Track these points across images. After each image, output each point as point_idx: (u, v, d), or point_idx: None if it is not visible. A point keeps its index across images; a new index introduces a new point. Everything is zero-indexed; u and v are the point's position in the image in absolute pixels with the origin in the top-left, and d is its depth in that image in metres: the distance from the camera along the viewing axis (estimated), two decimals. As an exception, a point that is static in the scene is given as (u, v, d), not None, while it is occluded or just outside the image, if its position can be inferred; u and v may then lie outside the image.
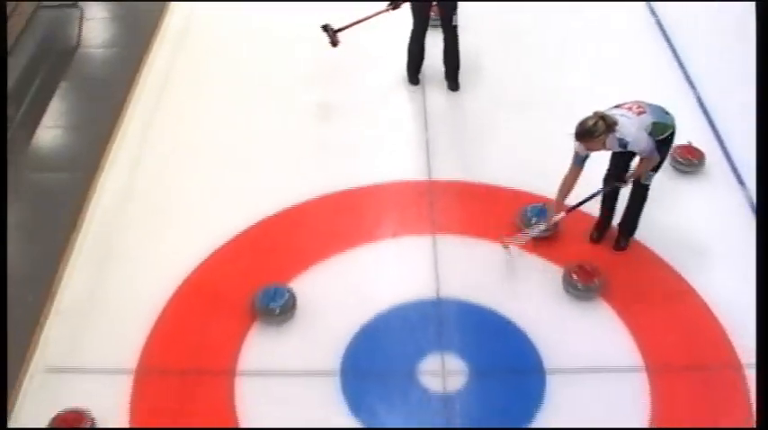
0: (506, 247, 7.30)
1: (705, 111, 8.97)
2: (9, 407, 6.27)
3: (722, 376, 6.62)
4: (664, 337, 6.86)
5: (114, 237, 7.67)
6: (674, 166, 8.19)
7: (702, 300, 7.06)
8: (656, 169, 7.06)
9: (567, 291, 7.10)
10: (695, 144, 8.32)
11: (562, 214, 7.18)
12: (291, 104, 9.08)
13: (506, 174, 8.14)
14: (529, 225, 7.36)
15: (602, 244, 7.55)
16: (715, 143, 8.50)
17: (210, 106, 9.13)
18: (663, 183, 7.86)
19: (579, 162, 6.88)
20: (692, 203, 7.93)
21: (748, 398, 6.37)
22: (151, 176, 8.30)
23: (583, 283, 7.08)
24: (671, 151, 7.75)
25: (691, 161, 8.24)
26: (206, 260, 7.38)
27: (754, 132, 8.11)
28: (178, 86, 9.43)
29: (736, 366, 6.62)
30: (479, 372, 6.61)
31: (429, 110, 9.05)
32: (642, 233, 7.52)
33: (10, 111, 8.69)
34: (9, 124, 8.57)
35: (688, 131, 8.28)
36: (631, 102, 6.87)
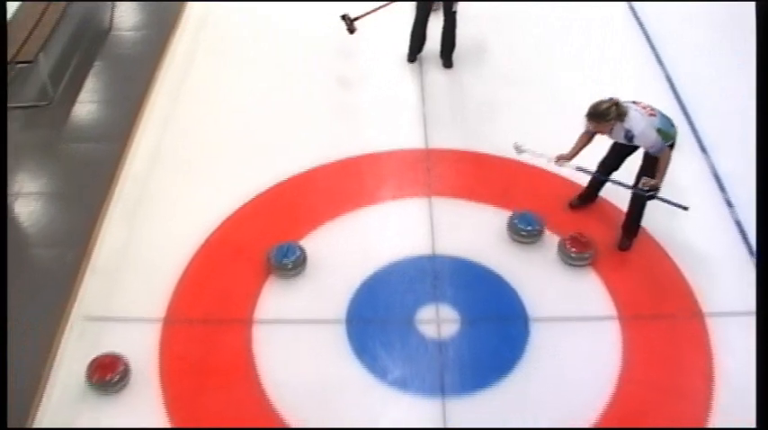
0: (519, 149, 7.14)
1: (673, 88, 8.86)
2: (52, 353, 6.29)
3: (685, 324, 6.60)
4: (635, 290, 6.85)
5: (144, 200, 7.65)
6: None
7: (669, 257, 7.04)
8: (650, 196, 6.74)
9: (564, 262, 7.00)
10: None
11: (564, 161, 6.97)
12: (304, 82, 9.01)
13: (496, 144, 8.04)
14: (518, 233, 7.16)
15: (581, 212, 7.47)
16: (681, 116, 8.36)
17: (230, 83, 9.07)
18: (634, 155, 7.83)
19: (589, 133, 6.77)
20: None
21: (708, 343, 6.41)
22: (177, 146, 8.25)
23: (577, 253, 6.95)
24: None
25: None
26: (227, 220, 7.36)
27: (716, 107, 8.09)
28: (200, 65, 9.38)
29: (699, 315, 6.62)
30: (470, 320, 6.60)
31: (426, 86, 8.98)
32: (615, 195, 7.45)
33: (52, 89, 8.64)
34: (50, 101, 8.56)
35: (657, 104, 8.17)
36: (645, 104, 6.66)
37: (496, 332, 6.57)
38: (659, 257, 7.07)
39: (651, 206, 7.03)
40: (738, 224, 7.31)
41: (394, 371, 6.29)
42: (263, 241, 7.03)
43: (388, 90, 8.97)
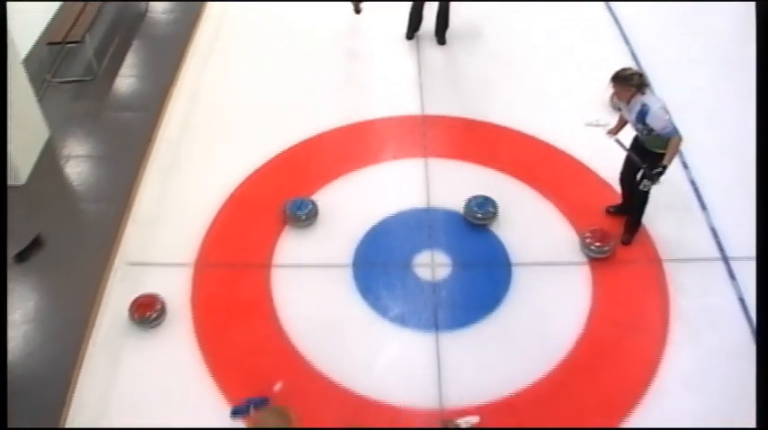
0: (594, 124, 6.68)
1: (637, 62, 8.63)
2: (100, 294, 6.29)
3: (646, 268, 6.56)
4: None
5: (177, 161, 7.57)
6: (613, 106, 7.77)
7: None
8: (653, 179, 6.16)
9: (586, 255, 6.62)
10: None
11: (611, 134, 6.47)
12: (314, 58, 8.84)
13: (486, 111, 7.95)
14: (473, 214, 6.81)
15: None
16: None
17: (249, 60, 8.93)
18: (604, 118, 7.62)
19: (616, 108, 6.38)
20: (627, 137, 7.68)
21: (665, 285, 6.39)
22: (205, 113, 8.16)
23: (598, 246, 6.57)
24: (611, 93, 7.43)
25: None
26: (248, 178, 7.30)
27: (675, 76, 7.89)
28: (223, 44, 9.22)
29: (657, 261, 6.59)
30: (461, 265, 6.57)
31: (422, 60, 8.82)
32: (587, 157, 7.39)
33: (96, 65, 8.54)
34: (95, 76, 8.44)
35: None
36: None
37: (483, 275, 6.53)
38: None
39: (612, 160, 6.95)
40: (692, 183, 7.21)
41: (394, 308, 6.27)
42: (280, 196, 6.96)
43: (388, 64, 8.84)
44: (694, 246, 6.44)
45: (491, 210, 6.82)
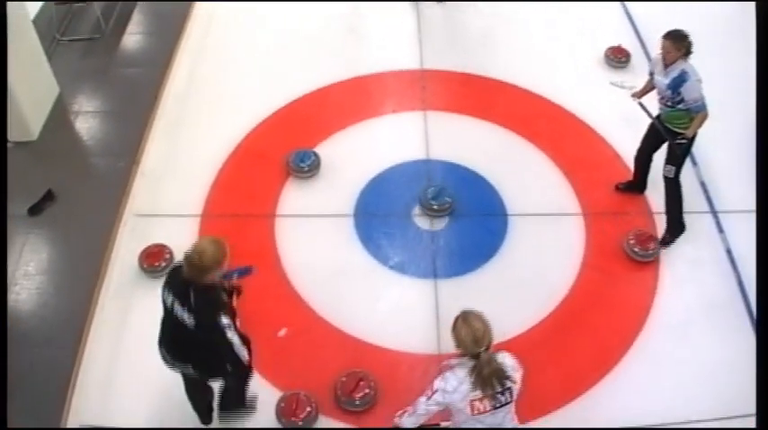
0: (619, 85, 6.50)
1: (631, 21, 8.61)
2: (111, 244, 6.36)
3: (637, 219, 6.60)
4: (597, 191, 6.83)
5: (183, 116, 7.58)
6: (608, 63, 7.98)
7: (625, 163, 6.93)
8: (678, 164, 6.00)
9: (632, 257, 6.32)
10: (624, 46, 8.09)
11: (636, 97, 6.21)
12: (317, 14, 8.75)
13: (485, 66, 7.92)
14: (428, 205, 6.61)
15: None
16: (638, 46, 8.17)
17: (253, 17, 8.80)
18: (598, 75, 7.77)
19: (650, 74, 6.10)
20: (622, 92, 7.47)
21: (655, 235, 6.41)
22: (210, 69, 8.14)
23: (641, 249, 6.30)
24: (606, 50, 7.85)
25: (620, 59, 7.98)
26: (252, 131, 7.30)
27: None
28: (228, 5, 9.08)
29: (649, 213, 6.63)
30: (458, 215, 6.60)
31: (422, 18, 8.72)
32: (583, 111, 7.39)
33: (104, 24, 8.48)
34: (102, 34, 8.40)
35: (619, 36, 8.24)
36: None
37: (480, 225, 6.58)
38: (617, 165, 6.98)
39: (608, 117, 7.05)
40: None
41: (394, 256, 6.34)
42: (283, 148, 7.01)
43: (389, 20, 8.74)
44: (685, 199, 6.44)
45: (447, 199, 6.63)
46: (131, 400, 5.48)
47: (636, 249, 6.29)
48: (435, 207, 6.61)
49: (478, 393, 4.05)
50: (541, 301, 6.02)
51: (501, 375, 4.04)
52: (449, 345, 4.15)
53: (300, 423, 5.27)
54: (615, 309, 6.04)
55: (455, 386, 4.04)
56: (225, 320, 4.27)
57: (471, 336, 3.98)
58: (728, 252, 6.32)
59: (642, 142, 6.46)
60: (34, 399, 5.31)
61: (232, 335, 4.31)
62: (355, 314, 5.93)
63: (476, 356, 3.99)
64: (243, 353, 4.43)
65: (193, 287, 4.32)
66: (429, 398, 4.13)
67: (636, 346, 5.76)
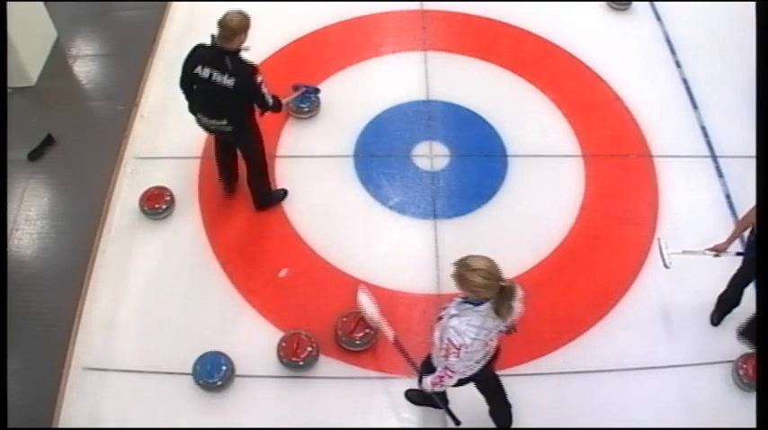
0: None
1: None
2: (111, 186, 6.24)
3: (637, 162, 6.46)
4: (596, 132, 6.65)
5: (181, 58, 6.96)
6: (610, 6, 7.64)
7: (626, 105, 6.77)
8: None
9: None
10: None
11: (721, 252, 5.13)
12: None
13: (486, 6, 7.57)
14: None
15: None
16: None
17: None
18: (599, 20, 7.52)
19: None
20: (623, 35, 7.40)
21: (655, 179, 6.29)
22: (209, 9, 7.51)
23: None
24: None
25: (621, 1, 7.62)
26: (251, 71, 7.07)
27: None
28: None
29: (648, 155, 6.48)
30: (458, 155, 6.47)
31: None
32: (584, 53, 7.12)
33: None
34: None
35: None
36: None
37: (480, 165, 6.44)
38: (617, 107, 6.79)
39: (611, 62, 6.79)
40: (685, 82, 6.96)
41: (394, 197, 6.22)
42: (283, 89, 6.63)
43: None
44: (684, 143, 6.31)
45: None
46: (134, 342, 5.45)
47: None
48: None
49: (500, 325, 3.95)
50: (541, 242, 5.90)
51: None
52: (448, 285, 4.01)
53: (302, 362, 5.22)
54: (614, 251, 5.92)
55: (476, 333, 3.89)
56: (259, 78, 5.25)
57: (487, 275, 3.74)
58: (728, 197, 6.18)
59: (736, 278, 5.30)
60: (37, 344, 5.27)
61: (263, 88, 5.30)
62: (355, 254, 5.83)
63: (500, 290, 3.79)
64: (271, 100, 5.41)
65: (229, 56, 5.24)
66: (458, 356, 3.93)
67: (634, 288, 5.66)
